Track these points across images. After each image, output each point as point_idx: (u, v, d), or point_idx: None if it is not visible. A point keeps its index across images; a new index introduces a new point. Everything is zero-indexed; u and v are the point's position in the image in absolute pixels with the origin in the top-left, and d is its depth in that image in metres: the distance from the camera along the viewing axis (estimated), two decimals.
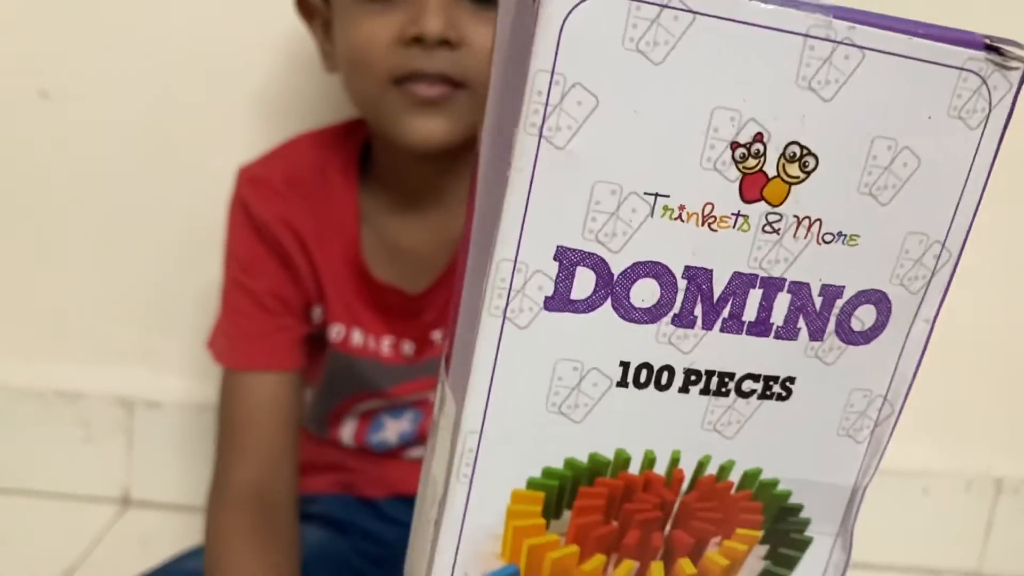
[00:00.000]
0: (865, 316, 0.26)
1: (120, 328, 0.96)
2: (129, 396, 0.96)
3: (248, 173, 0.68)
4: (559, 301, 0.23)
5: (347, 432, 0.73)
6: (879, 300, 0.26)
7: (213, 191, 0.81)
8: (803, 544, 0.28)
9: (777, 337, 0.25)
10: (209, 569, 0.59)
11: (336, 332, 0.69)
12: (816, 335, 0.25)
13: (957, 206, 0.25)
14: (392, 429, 0.73)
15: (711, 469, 0.26)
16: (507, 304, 0.23)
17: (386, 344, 0.69)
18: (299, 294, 0.67)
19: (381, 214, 0.68)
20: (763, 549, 0.27)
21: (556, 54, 0.21)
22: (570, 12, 0.20)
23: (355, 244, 0.67)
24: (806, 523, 0.28)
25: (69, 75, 0.89)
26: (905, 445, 0.98)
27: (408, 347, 0.69)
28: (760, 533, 0.27)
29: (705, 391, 0.25)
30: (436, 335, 0.69)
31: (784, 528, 0.27)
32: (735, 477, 0.26)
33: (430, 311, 0.68)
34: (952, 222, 0.25)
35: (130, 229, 0.93)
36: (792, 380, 0.26)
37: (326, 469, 0.75)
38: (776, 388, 0.26)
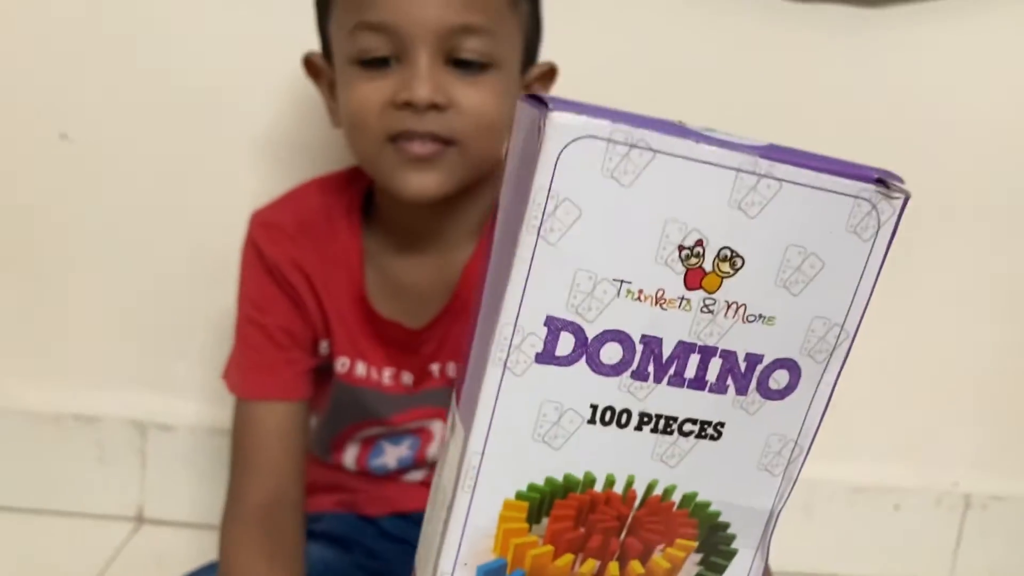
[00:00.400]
0: (780, 378, 0.33)
1: (133, 356, 1.00)
2: (142, 420, 1.00)
3: (260, 218, 0.72)
4: (546, 356, 0.31)
5: (349, 457, 0.77)
6: (791, 367, 0.33)
7: (223, 228, 0.85)
8: (730, 554, 0.35)
9: (711, 391, 0.32)
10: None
11: (341, 364, 0.73)
12: (741, 391, 0.32)
13: (853, 297, 0.32)
14: (391, 455, 0.77)
15: (658, 491, 0.33)
16: (507, 356, 0.30)
17: (387, 375, 0.73)
18: (307, 329, 0.71)
19: (384, 254, 0.72)
20: (698, 556, 0.34)
21: (552, 177, 0.28)
22: (564, 148, 0.28)
23: (360, 282, 0.71)
24: (732, 538, 0.34)
25: (88, 119, 0.94)
26: (878, 465, 1.04)
27: (407, 378, 0.73)
28: (695, 544, 0.34)
29: (655, 430, 0.32)
30: (434, 367, 0.73)
31: (715, 541, 0.34)
32: (676, 498, 0.34)
33: (428, 345, 0.72)
34: (849, 309, 0.33)
35: (144, 263, 0.97)
36: (722, 425, 0.33)
37: (330, 490, 0.79)
38: (709, 430, 0.33)
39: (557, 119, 0.28)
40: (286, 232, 0.70)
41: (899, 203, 0.31)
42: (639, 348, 0.31)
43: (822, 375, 0.33)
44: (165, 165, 0.95)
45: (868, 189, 0.31)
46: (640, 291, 0.30)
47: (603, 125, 0.28)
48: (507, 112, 0.64)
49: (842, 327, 0.33)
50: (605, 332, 0.30)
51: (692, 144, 0.29)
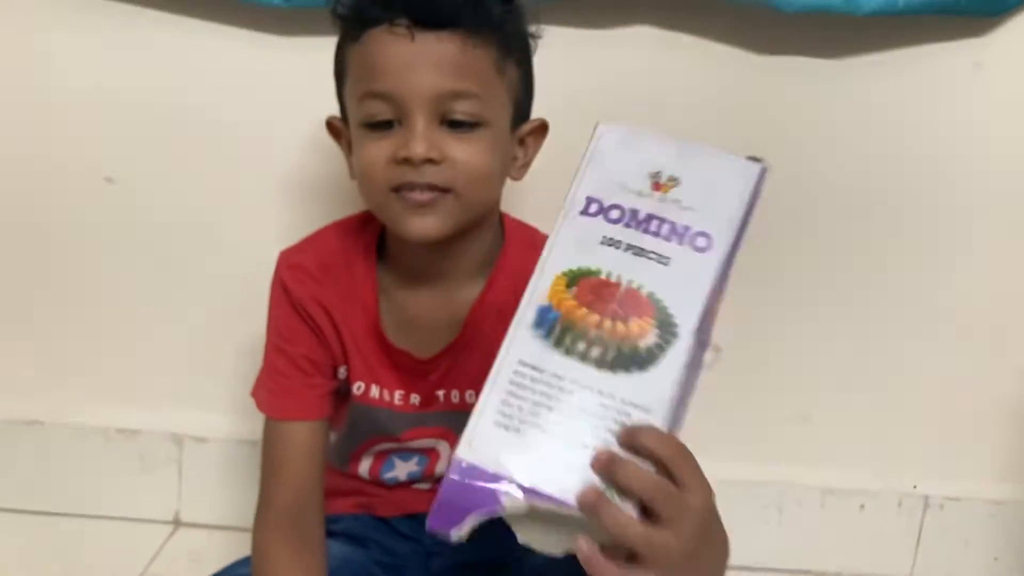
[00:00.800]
0: (701, 242, 0.52)
1: (171, 376, 1.10)
2: (179, 433, 1.09)
3: (287, 259, 0.81)
4: (584, 213, 0.54)
5: (363, 468, 0.86)
6: (706, 236, 0.52)
7: (253, 262, 0.92)
8: (675, 335, 0.50)
9: (663, 238, 0.53)
10: (256, 574, 0.74)
11: (357, 387, 0.81)
12: (679, 242, 0.53)
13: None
14: (401, 469, 0.85)
15: (635, 286, 0.51)
16: (567, 212, 0.54)
17: (398, 396, 0.81)
18: (327, 358, 0.79)
19: (395, 289, 0.80)
20: (656, 331, 0.50)
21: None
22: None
23: (374, 315, 0.80)
24: (676, 326, 0.50)
25: (131, 164, 1.04)
26: (845, 469, 1.13)
27: (415, 399, 0.81)
28: (654, 322, 0.50)
29: (635, 254, 0.51)
30: (440, 393, 0.81)
31: (667, 324, 0.50)
32: (644, 293, 0.50)
33: (436, 373, 0.80)
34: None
35: (181, 294, 1.07)
36: (668, 258, 0.52)
37: (348, 494, 0.87)
38: (662, 259, 0.52)
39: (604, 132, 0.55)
40: (309, 273, 0.79)
41: (758, 168, 0.53)
42: (628, 214, 0.52)
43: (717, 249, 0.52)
44: (200, 207, 1.05)
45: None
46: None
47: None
48: (497, 163, 0.73)
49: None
50: (612, 205, 0.53)
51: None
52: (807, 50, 0.99)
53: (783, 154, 1.00)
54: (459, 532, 0.47)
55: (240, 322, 1.04)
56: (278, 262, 0.81)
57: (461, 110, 0.69)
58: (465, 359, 0.78)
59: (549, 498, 0.46)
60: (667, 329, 0.50)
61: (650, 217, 0.53)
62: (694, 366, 0.50)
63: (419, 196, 0.70)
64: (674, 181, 0.54)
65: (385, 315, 0.80)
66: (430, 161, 0.69)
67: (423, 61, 0.69)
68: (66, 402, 1.11)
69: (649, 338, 0.50)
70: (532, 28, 0.77)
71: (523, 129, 0.77)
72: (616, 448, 0.47)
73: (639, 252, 0.52)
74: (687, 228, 0.52)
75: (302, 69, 0.97)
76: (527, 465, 0.47)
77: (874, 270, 1.07)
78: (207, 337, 1.09)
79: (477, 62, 0.70)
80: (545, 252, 0.53)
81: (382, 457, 0.85)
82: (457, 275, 0.78)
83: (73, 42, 1.00)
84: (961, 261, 1.07)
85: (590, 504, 0.45)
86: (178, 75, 1.02)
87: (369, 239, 0.81)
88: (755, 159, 0.53)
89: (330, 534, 0.79)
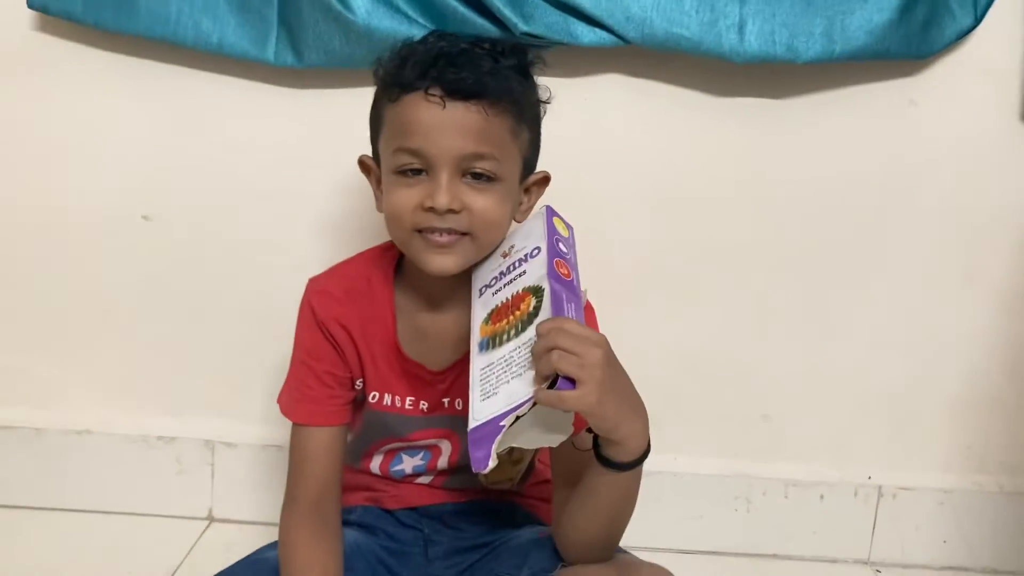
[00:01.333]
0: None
1: (205, 389, 1.20)
2: (212, 439, 1.20)
3: (316, 285, 0.91)
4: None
5: (375, 464, 0.97)
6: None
7: (279, 288, 1.04)
8: (542, 291, 0.75)
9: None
10: (283, 556, 0.85)
11: (373, 396, 0.92)
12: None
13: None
14: (408, 463, 0.96)
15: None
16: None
17: (408, 402, 0.92)
18: (347, 372, 0.90)
19: (411, 309, 0.89)
20: (534, 299, 0.76)
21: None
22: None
23: (392, 331, 0.90)
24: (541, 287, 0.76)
25: (166, 202, 1.15)
26: (806, 463, 1.23)
27: (424, 405, 0.92)
28: (531, 295, 0.76)
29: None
30: (446, 400, 0.90)
31: (537, 290, 0.77)
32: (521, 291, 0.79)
33: (444, 383, 0.90)
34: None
35: (215, 316, 1.17)
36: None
37: (360, 489, 0.98)
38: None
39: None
40: (335, 298, 0.89)
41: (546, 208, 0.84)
42: (498, 275, 0.82)
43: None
44: (232, 240, 1.15)
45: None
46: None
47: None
48: (508, 211, 0.85)
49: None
50: (488, 282, 0.83)
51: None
52: (759, 93, 1.11)
53: (741, 181, 1.14)
54: (491, 461, 0.70)
55: (267, 341, 1.15)
56: (307, 287, 0.91)
57: (480, 167, 0.80)
58: None
59: (520, 406, 0.71)
60: (537, 293, 0.76)
61: (508, 267, 0.82)
62: (569, 299, 0.75)
63: (440, 239, 0.81)
64: (511, 246, 0.83)
65: (402, 332, 0.90)
66: (451, 211, 0.79)
67: (451, 126, 0.79)
68: (112, 413, 1.21)
69: (532, 303, 0.75)
70: (544, 96, 0.88)
71: (529, 180, 0.88)
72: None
73: (510, 281, 0.80)
74: (527, 253, 0.80)
75: (323, 118, 1.10)
76: (504, 402, 0.72)
77: (831, 287, 1.17)
78: (237, 355, 1.19)
79: (496, 128, 0.81)
80: (472, 317, 0.81)
81: (391, 454, 0.96)
82: (466, 298, 0.86)
83: (118, 100, 1.12)
84: (902, 275, 1.17)
85: (538, 396, 0.69)
86: (210, 124, 1.13)
87: (389, 267, 0.91)
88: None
89: (344, 523, 0.91)
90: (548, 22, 1.03)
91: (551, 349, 0.69)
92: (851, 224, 1.16)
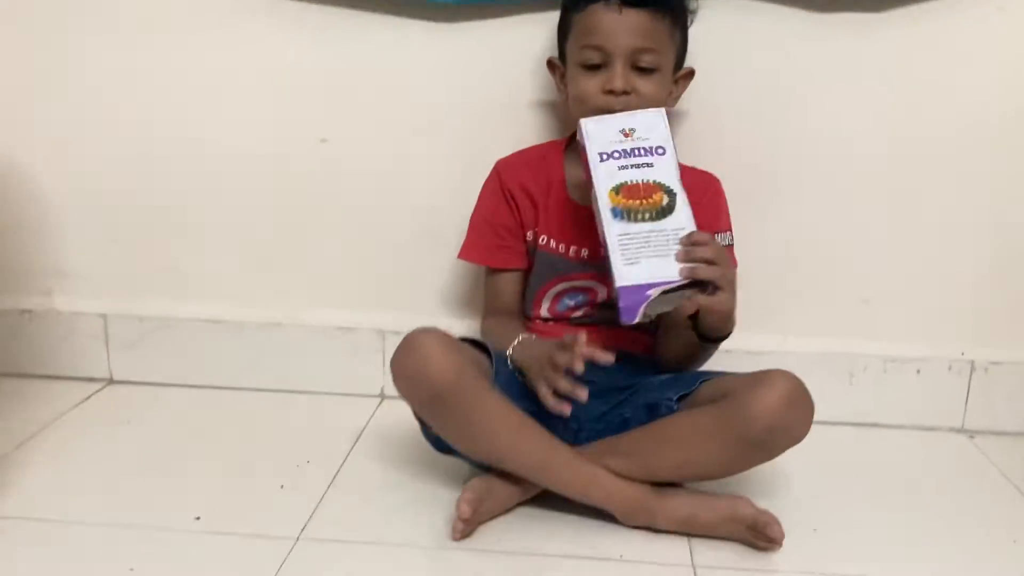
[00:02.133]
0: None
1: (376, 287, 1.36)
2: (383, 329, 1.35)
3: (504, 161, 1.17)
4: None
5: (544, 308, 1.17)
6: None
7: (437, 209, 1.24)
8: (675, 195, 0.96)
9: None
10: (490, 330, 1.16)
11: (543, 239, 1.14)
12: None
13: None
14: (570, 300, 1.16)
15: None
16: (608, 155, 0.99)
17: (572, 249, 1.13)
18: (519, 227, 1.14)
19: (577, 170, 1.05)
20: (666, 197, 0.95)
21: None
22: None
23: (562, 185, 1.13)
24: (676, 193, 0.96)
25: (341, 127, 1.30)
26: (903, 341, 1.34)
27: (584, 252, 1.12)
28: (663, 193, 0.95)
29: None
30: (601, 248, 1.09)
31: (669, 191, 0.96)
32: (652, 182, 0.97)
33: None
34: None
35: (388, 225, 1.33)
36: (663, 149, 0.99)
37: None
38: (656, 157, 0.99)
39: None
40: (518, 168, 1.16)
41: (662, 111, 0.99)
42: (620, 152, 0.97)
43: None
44: (399, 166, 1.31)
45: None
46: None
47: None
48: (663, 95, 1.07)
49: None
50: (612, 151, 0.98)
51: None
52: (854, 6, 1.21)
53: (847, 80, 1.23)
54: (637, 317, 0.90)
55: (432, 249, 1.30)
56: (496, 164, 1.17)
57: (646, 60, 1.05)
58: None
59: (666, 284, 0.91)
60: (670, 193, 0.94)
61: (632, 149, 0.95)
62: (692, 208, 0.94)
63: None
64: (632, 130, 0.96)
65: (570, 184, 1.13)
66: (624, 92, 1.04)
67: (626, 27, 1.03)
68: (298, 307, 1.38)
69: (665, 200, 0.94)
70: (692, 5, 1.11)
71: (678, 74, 1.12)
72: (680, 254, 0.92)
73: (637, 165, 0.95)
74: (651, 147, 0.95)
75: (474, 52, 1.25)
76: (648, 274, 0.92)
77: (923, 181, 1.27)
78: (405, 257, 1.34)
79: (658, 30, 1.05)
80: (594, 184, 0.95)
81: (558, 297, 1.16)
82: None
83: (302, 42, 1.28)
84: (988, 168, 1.26)
85: (697, 299, 0.91)
86: (373, 60, 1.28)
87: (560, 144, 1.17)
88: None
89: None
90: None
91: (701, 260, 0.91)
92: (952, 124, 1.25)
